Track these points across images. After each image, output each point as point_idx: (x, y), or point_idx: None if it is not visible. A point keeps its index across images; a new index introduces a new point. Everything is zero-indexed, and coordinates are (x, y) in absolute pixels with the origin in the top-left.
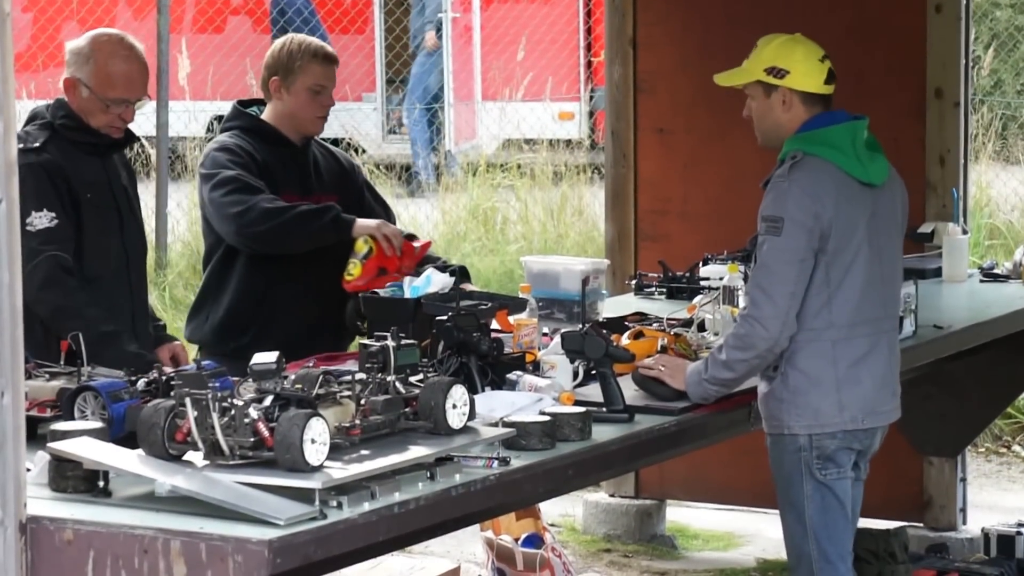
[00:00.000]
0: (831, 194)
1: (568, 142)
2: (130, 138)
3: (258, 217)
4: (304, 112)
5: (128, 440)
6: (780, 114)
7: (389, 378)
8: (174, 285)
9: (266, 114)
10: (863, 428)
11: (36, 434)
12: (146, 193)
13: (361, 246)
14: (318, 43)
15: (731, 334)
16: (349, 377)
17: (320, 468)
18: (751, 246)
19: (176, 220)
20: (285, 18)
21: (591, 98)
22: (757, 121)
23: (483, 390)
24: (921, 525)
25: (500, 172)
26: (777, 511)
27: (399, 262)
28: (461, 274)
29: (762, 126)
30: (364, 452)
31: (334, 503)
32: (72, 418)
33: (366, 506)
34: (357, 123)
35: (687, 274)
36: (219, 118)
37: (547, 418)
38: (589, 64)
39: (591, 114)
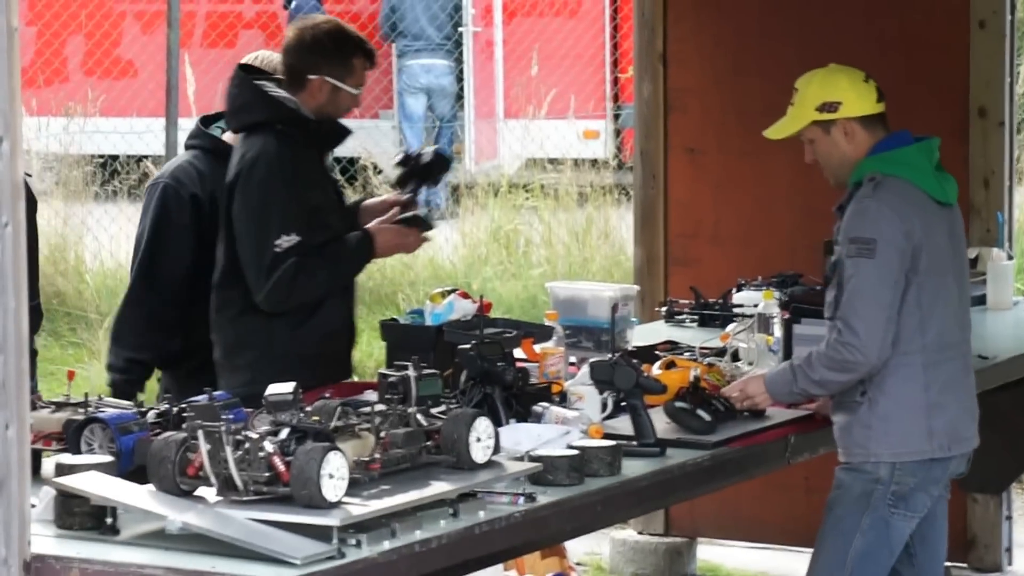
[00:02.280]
0: (918, 214)
1: (593, 162)
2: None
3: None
4: None
5: (137, 475)
6: (845, 146)
7: (410, 410)
8: None
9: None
10: (949, 456)
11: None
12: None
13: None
14: None
15: (824, 355)
16: (368, 409)
17: (338, 504)
18: (830, 271)
19: None
20: None
21: (617, 116)
22: (824, 161)
23: (508, 422)
24: (965, 566)
25: (523, 193)
26: (811, 549)
27: None
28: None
29: (830, 164)
30: (384, 487)
31: (353, 541)
32: (79, 451)
33: (386, 544)
34: (375, 141)
35: (720, 301)
36: None
37: (575, 452)
38: (616, 80)
39: (617, 133)
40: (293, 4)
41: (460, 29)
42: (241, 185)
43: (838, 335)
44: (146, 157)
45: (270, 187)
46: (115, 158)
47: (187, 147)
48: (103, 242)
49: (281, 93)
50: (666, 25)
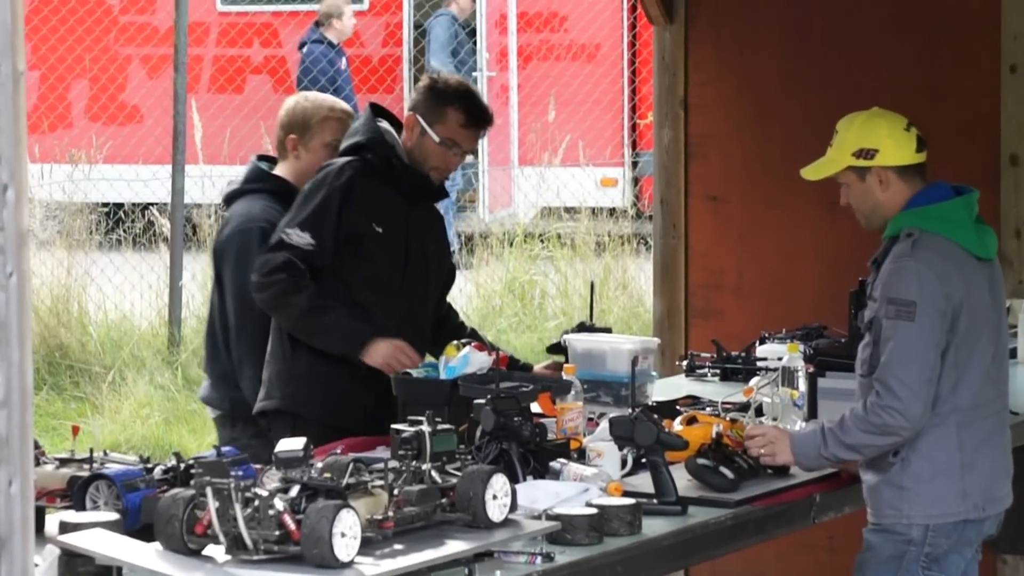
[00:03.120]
0: (959, 273)
1: (611, 211)
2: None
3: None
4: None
5: (144, 533)
6: (880, 195)
7: (424, 466)
8: (188, 364)
9: (281, 170)
10: (984, 516)
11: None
12: (158, 264)
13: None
14: (332, 100)
15: (861, 418)
16: (381, 465)
17: (350, 564)
18: (864, 326)
19: (191, 294)
20: (309, 76)
21: (635, 163)
22: (857, 206)
23: (525, 479)
24: None
25: (538, 242)
26: None
27: None
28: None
29: (863, 210)
30: (397, 547)
31: None
32: (84, 508)
33: None
34: None
35: (742, 354)
36: None
37: (594, 510)
38: (634, 127)
39: (635, 180)
40: (305, 48)
41: (474, 74)
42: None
43: (877, 398)
44: (152, 205)
45: (316, 188)
46: (120, 206)
47: (249, 191)
48: (107, 293)
49: (388, 127)
50: (687, 70)
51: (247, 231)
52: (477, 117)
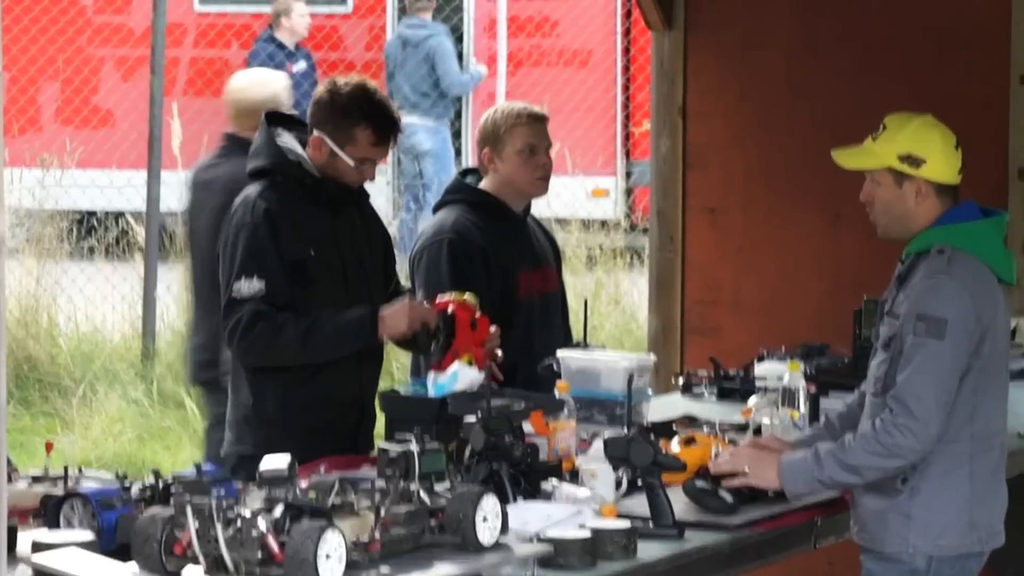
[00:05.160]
0: (989, 295)
1: (603, 222)
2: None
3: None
4: (519, 175)
5: (120, 553)
6: (912, 206)
7: (412, 486)
8: (162, 379)
9: (485, 184)
10: (984, 551)
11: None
12: (132, 275)
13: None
14: (521, 106)
15: (869, 437)
16: (368, 485)
17: None
18: (880, 344)
19: (166, 306)
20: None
21: (629, 173)
22: (882, 209)
23: (516, 501)
24: None
25: None
26: None
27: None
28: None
29: (888, 216)
30: (384, 570)
31: None
32: (58, 527)
33: None
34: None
35: (741, 372)
36: None
37: (587, 533)
38: (628, 136)
39: (629, 191)
40: (251, 50)
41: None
42: (223, 226)
43: (891, 415)
44: (126, 212)
45: (237, 232)
46: (92, 214)
47: (447, 202)
48: (78, 303)
49: (290, 144)
50: (686, 77)
51: (435, 243)
52: (387, 130)
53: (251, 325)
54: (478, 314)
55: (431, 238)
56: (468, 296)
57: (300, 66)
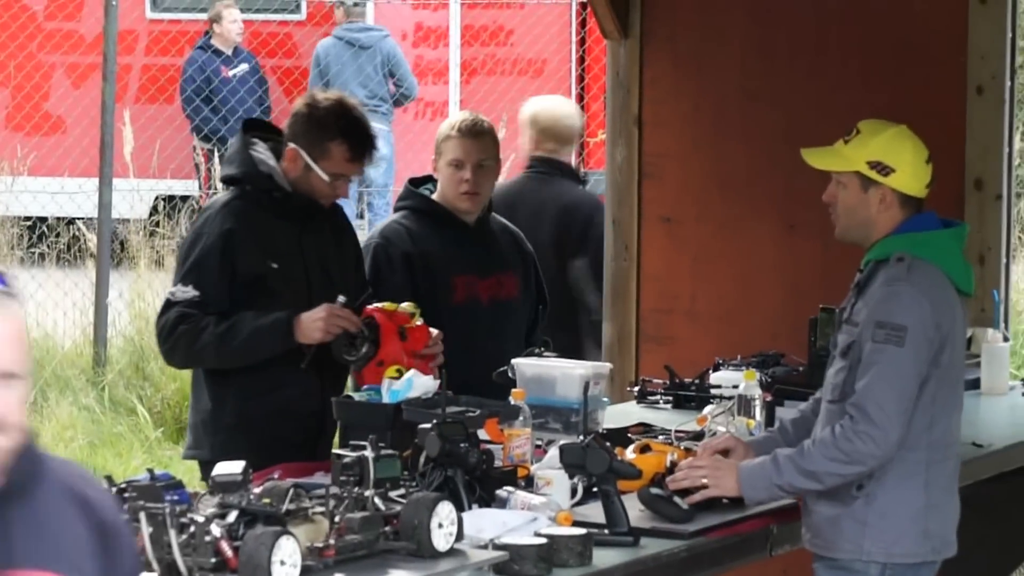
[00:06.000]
0: (949, 303)
1: None
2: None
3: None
4: (447, 188)
5: None
6: (874, 213)
7: (367, 493)
8: (114, 385)
9: (436, 192)
10: (937, 560)
11: None
12: (83, 281)
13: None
14: (465, 118)
15: (829, 443)
16: (322, 491)
17: None
18: (838, 352)
19: (118, 312)
20: (193, 87)
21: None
22: (844, 213)
23: (471, 508)
24: None
25: None
26: None
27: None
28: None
29: (849, 220)
30: None
31: None
32: None
33: None
34: None
35: (696, 381)
36: (168, 198)
37: (543, 540)
38: (583, 145)
39: None
40: (186, 56)
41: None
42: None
43: (851, 423)
44: (78, 219)
45: (196, 238)
46: (44, 220)
47: (396, 208)
48: (29, 310)
49: (263, 155)
50: (642, 86)
51: (364, 247)
52: (362, 147)
53: (174, 326)
54: (417, 322)
55: (365, 244)
56: (406, 305)
57: (240, 68)
